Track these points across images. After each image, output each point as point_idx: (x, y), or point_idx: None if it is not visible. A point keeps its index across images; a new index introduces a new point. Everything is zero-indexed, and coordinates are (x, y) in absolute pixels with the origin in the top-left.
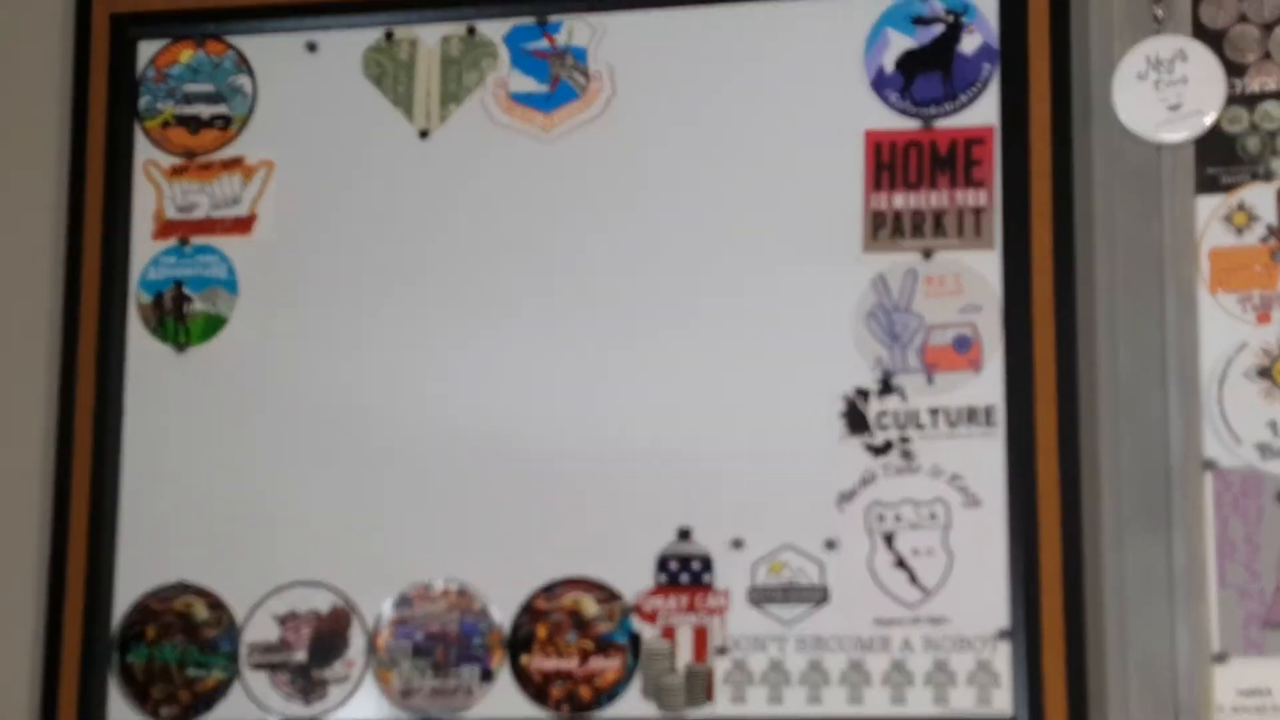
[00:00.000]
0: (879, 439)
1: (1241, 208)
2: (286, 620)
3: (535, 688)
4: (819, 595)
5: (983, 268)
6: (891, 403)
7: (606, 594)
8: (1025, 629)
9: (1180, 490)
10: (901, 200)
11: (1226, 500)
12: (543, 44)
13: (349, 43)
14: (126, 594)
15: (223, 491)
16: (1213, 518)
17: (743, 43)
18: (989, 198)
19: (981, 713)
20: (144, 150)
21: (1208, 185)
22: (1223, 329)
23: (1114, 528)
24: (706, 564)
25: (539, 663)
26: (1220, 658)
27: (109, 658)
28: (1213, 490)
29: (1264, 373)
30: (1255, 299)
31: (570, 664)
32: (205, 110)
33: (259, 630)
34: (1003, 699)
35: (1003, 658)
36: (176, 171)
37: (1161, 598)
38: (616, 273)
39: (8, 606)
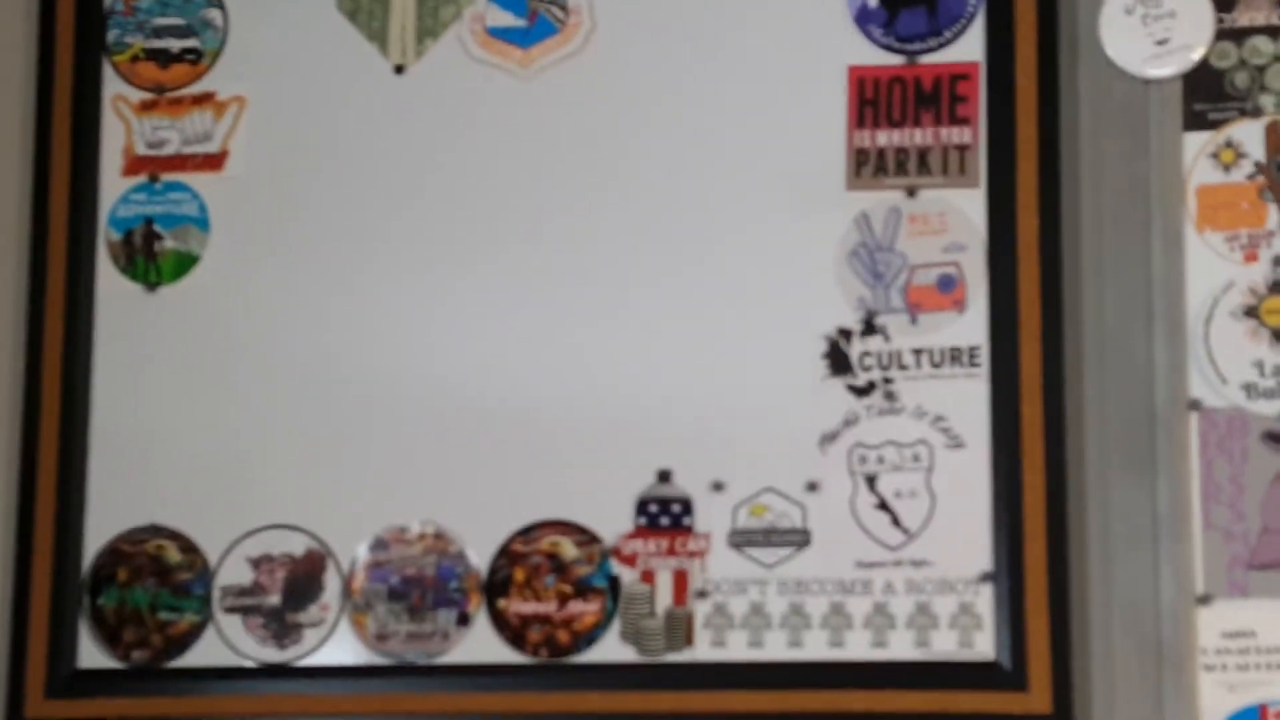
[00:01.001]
0: (862, 380)
1: (1229, 145)
2: (260, 563)
3: (513, 631)
4: (800, 538)
5: (967, 206)
6: (874, 343)
7: (585, 537)
8: (1008, 571)
9: (1165, 431)
10: (885, 138)
11: (1212, 441)
12: None
13: None
14: (97, 536)
15: (195, 433)
16: (1198, 459)
17: None
18: (974, 135)
19: (963, 656)
20: (113, 85)
21: (1195, 122)
22: (1209, 268)
23: (1098, 469)
24: (687, 507)
25: (517, 606)
26: (1204, 600)
27: (79, 600)
28: (1198, 431)
29: (1250, 312)
30: (1242, 237)
31: (548, 608)
32: (175, 44)
33: (232, 573)
34: (985, 642)
35: (985, 600)
36: (146, 107)
37: (1145, 540)
38: (595, 211)
39: None
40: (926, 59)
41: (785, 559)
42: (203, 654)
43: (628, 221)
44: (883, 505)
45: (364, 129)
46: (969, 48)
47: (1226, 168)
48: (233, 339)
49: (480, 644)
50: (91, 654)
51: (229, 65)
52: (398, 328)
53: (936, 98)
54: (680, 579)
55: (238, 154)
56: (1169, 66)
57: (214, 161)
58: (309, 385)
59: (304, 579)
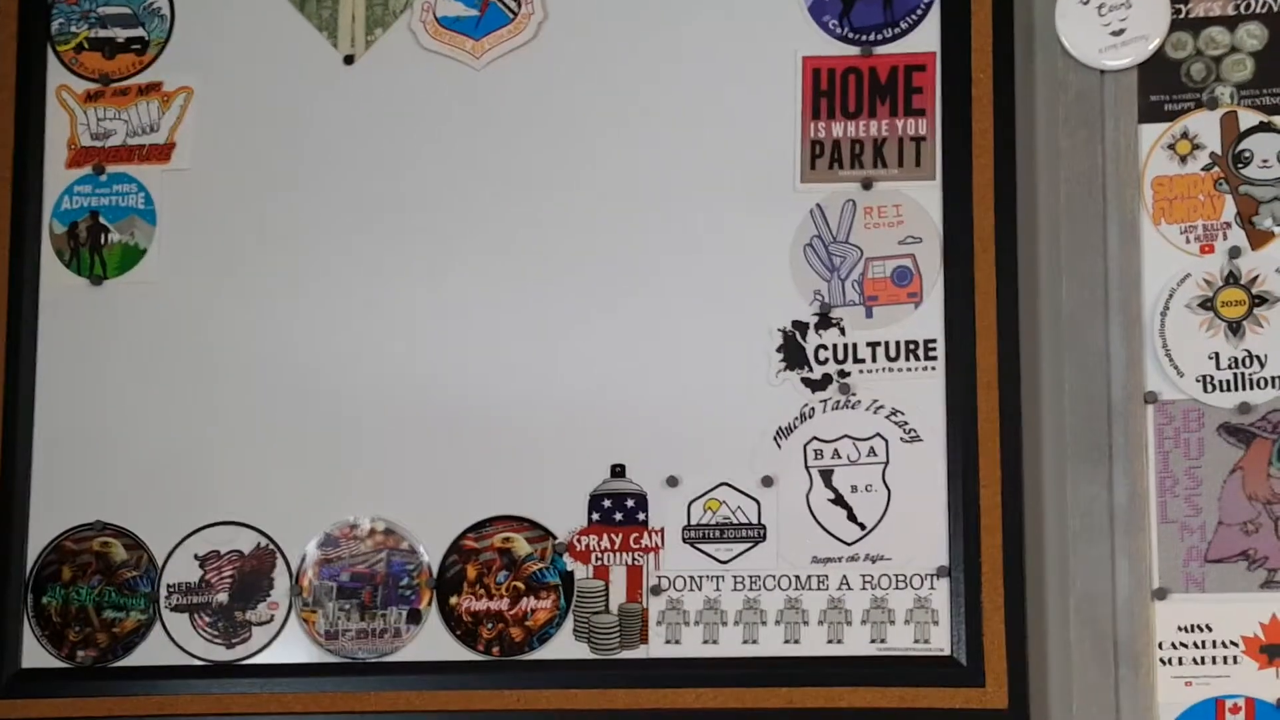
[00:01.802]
0: (817, 373)
1: (1185, 136)
2: (208, 560)
3: (465, 629)
4: (756, 533)
5: (923, 198)
6: (830, 336)
7: (538, 532)
8: (964, 566)
9: (1122, 424)
10: (840, 129)
11: (1168, 434)
12: None
13: None
14: (41, 534)
15: (142, 428)
16: (1154, 452)
17: None
18: (930, 126)
19: (920, 651)
20: (57, 75)
21: (1151, 113)
22: (1166, 260)
23: (1055, 463)
24: (641, 502)
25: (469, 603)
26: (1160, 594)
27: (23, 599)
28: (1154, 424)
29: (1206, 304)
30: (1198, 229)
31: (501, 604)
32: (121, 33)
33: (179, 571)
34: (941, 636)
35: (941, 595)
36: (91, 97)
37: (1102, 533)
38: (546, 204)
39: None
40: (882, 50)
41: (740, 554)
42: (149, 653)
43: (579, 214)
44: (838, 500)
45: (313, 120)
46: (925, 38)
47: (1183, 159)
48: (181, 334)
49: (432, 642)
50: (36, 653)
51: (176, 55)
52: (346, 322)
53: (892, 89)
54: (634, 575)
55: (185, 145)
56: (1125, 57)
57: (161, 153)
58: (257, 380)
59: (252, 576)
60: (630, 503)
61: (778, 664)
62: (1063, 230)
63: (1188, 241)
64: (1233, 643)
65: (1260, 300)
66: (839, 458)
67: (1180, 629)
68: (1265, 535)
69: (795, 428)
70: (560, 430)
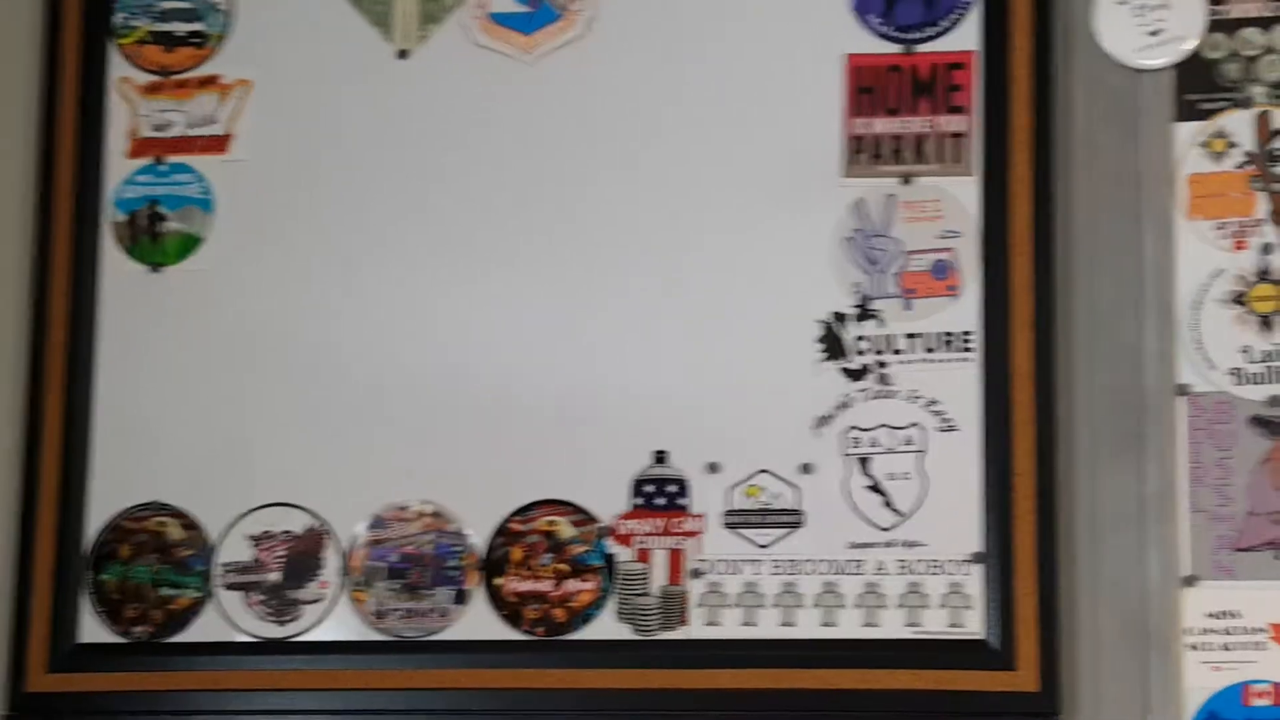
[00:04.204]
0: (856, 364)
1: (1220, 134)
2: (261, 541)
3: (510, 609)
4: (794, 519)
5: (962, 193)
6: (869, 328)
7: (582, 516)
8: (998, 553)
9: (1154, 415)
10: (881, 125)
11: (1199, 425)
12: None
13: None
14: (100, 513)
15: (197, 412)
16: (1186, 443)
17: None
18: (969, 123)
19: (953, 634)
20: (118, 68)
21: (1187, 112)
22: (1199, 255)
23: (1088, 453)
24: (682, 487)
25: (514, 584)
26: (1190, 581)
27: (82, 576)
28: (1186, 415)
29: (1239, 299)
30: (1232, 226)
31: (545, 586)
32: (181, 27)
33: (233, 550)
34: (974, 621)
35: (975, 581)
36: (151, 89)
37: (1133, 522)
38: (594, 196)
39: None
40: (923, 48)
41: (779, 539)
42: (203, 629)
43: (626, 206)
44: (875, 487)
45: (367, 114)
46: (965, 37)
47: (1217, 157)
48: (236, 320)
49: (477, 621)
50: (93, 629)
51: (234, 49)
52: (399, 310)
53: (932, 86)
54: (675, 558)
55: (242, 137)
56: (1161, 57)
57: (219, 144)
58: (310, 365)
59: (304, 556)
60: (672, 488)
61: (814, 646)
62: (1098, 226)
63: (1221, 238)
64: (1260, 629)
65: None
66: (876, 446)
67: (1209, 616)
68: None
69: (834, 417)
70: (604, 417)
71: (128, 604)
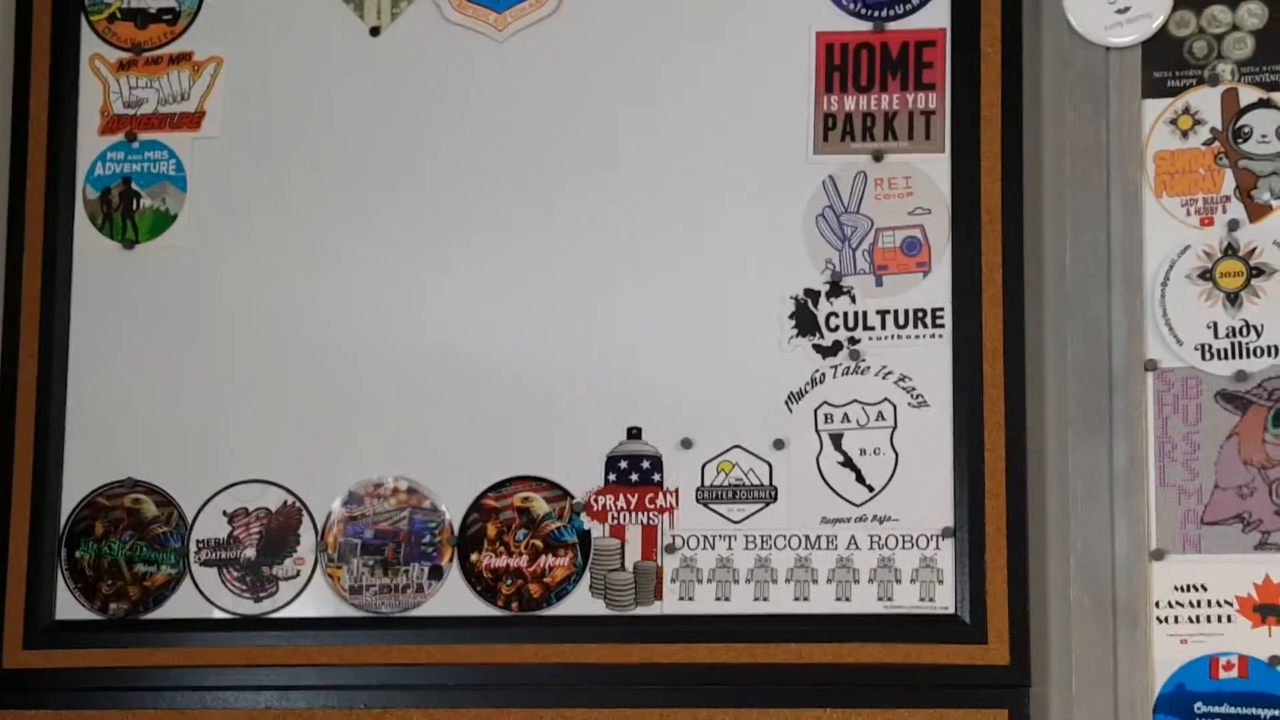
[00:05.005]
0: (828, 340)
1: (1187, 111)
2: (236, 517)
3: (485, 585)
4: (767, 494)
5: (932, 171)
6: (841, 304)
7: (556, 492)
8: (969, 527)
9: (1122, 391)
10: (852, 102)
11: (1167, 400)
12: None
13: None
14: (75, 490)
15: (171, 388)
16: (1154, 418)
17: None
18: (939, 101)
19: (925, 609)
20: (90, 44)
21: (1154, 89)
22: (1167, 232)
23: (1057, 428)
24: (656, 463)
25: (488, 560)
26: (1158, 555)
27: (57, 553)
28: (1154, 391)
29: (1205, 275)
30: (1199, 202)
31: (520, 561)
32: (153, 3)
33: (208, 527)
34: (945, 595)
35: (946, 555)
36: (123, 66)
37: (1102, 496)
38: (566, 174)
39: None
40: (894, 25)
41: (752, 514)
42: (179, 606)
43: (597, 183)
44: (847, 462)
45: (339, 90)
46: (935, 15)
47: (1184, 134)
48: (209, 297)
49: (453, 597)
50: (69, 605)
51: (206, 25)
52: (372, 286)
53: (903, 64)
54: (649, 534)
55: (214, 113)
56: (1129, 34)
57: (191, 121)
58: (284, 341)
59: (279, 533)
60: (646, 464)
61: (788, 620)
62: (1067, 203)
63: (1188, 214)
64: (1227, 602)
65: (1258, 272)
66: (848, 422)
67: (1177, 589)
68: (1259, 499)
69: (806, 392)
70: (578, 394)
71: (103, 581)
